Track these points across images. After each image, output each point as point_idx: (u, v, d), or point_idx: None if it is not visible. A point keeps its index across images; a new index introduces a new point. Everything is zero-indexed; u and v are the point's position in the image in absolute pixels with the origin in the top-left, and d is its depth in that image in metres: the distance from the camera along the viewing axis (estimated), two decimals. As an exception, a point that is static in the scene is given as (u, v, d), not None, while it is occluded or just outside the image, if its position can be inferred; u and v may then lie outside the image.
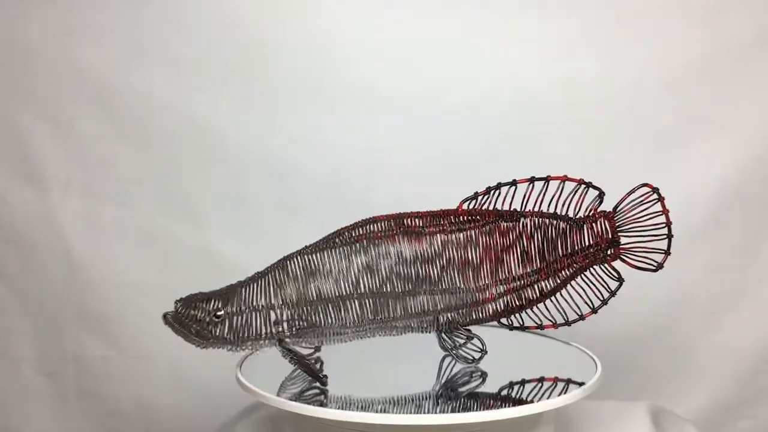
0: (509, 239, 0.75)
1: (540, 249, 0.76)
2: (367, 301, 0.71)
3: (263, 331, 0.69)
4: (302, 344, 0.72)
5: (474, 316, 0.75)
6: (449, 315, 0.73)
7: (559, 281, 0.77)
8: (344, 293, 0.71)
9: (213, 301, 0.71)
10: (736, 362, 1.04)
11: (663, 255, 0.78)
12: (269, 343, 0.71)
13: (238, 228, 1.06)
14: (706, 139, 1.02)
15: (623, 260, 0.78)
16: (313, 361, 0.73)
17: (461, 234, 0.73)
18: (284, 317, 0.70)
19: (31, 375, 1.09)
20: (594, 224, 0.78)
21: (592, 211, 0.78)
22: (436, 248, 0.72)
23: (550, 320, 0.78)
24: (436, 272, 0.72)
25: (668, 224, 0.78)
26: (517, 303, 0.77)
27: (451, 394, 0.70)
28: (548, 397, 0.65)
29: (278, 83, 1.04)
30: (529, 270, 0.76)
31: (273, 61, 1.04)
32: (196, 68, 1.04)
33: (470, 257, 0.73)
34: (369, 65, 1.04)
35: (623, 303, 1.03)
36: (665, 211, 0.78)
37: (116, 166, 1.06)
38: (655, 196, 0.78)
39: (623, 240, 0.78)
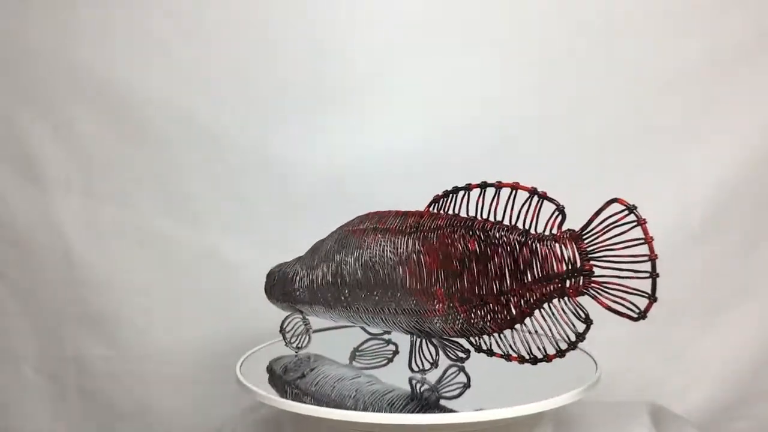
0: (454, 250, 0.65)
1: (487, 267, 0.63)
2: (343, 290, 0.74)
3: (288, 299, 0.83)
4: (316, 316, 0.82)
5: (431, 328, 0.69)
6: (410, 320, 0.69)
7: (514, 310, 0.63)
8: (326, 281, 0.76)
9: (281, 267, 0.85)
10: (736, 362, 1.04)
11: (647, 301, 0.58)
12: (292, 309, 0.83)
13: (238, 228, 1.06)
14: (706, 139, 1.02)
15: (593, 297, 0.61)
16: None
17: (412, 236, 0.68)
18: (298, 291, 0.81)
19: (31, 375, 1.09)
20: (553, 245, 0.61)
21: (554, 229, 0.62)
22: (391, 248, 0.69)
23: (514, 351, 0.67)
24: (390, 273, 0.69)
25: (652, 258, 0.58)
26: (473, 324, 0.65)
27: (450, 393, 0.70)
28: (548, 397, 0.65)
29: (278, 83, 1.04)
30: (476, 289, 0.64)
31: (273, 61, 1.04)
32: (196, 68, 1.04)
33: (413, 263, 0.67)
34: (369, 65, 1.04)
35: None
36: (648, 240, 0.58)
37: (116, 166, 1.06)
38: (632, 217, 0.59)
39: (596, 270, 0.60)
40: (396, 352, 0.82)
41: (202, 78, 1.04)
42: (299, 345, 0.83)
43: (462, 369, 0.73)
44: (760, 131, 1.02)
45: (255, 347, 0.84)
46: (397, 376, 0.73)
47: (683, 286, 1.04)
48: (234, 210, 1.06)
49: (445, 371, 0.73)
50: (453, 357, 0.73)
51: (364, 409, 0.64)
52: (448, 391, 0.70)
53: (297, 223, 1.05)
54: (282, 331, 0.83)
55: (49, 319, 1.08)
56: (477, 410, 0.62)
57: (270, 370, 0.78)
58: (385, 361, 0.79)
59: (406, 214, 0.71)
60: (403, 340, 0.84)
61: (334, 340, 0.88)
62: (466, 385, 0.71)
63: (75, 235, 1.06)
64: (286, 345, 0.83)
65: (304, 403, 0.66)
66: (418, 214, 0.70)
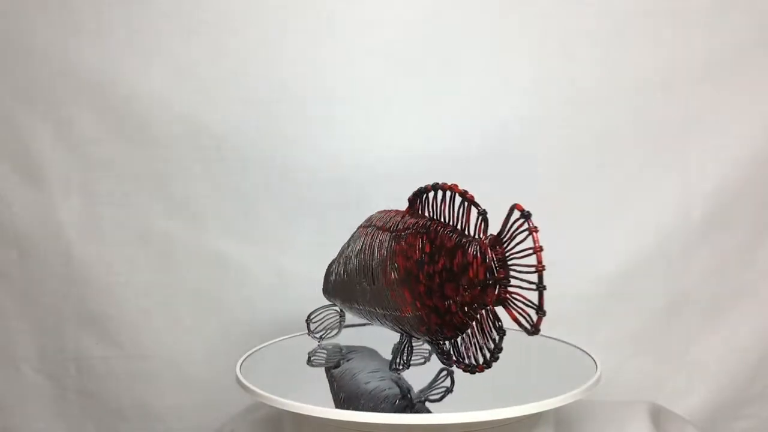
0: (414, 252, 0.64)
1: (434, 270, 0.62)
2: (347, 286, 0.75)
3: (326, 292, 0.83)
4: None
5: (406, 328, 0.69)
6: (393, 320, 0.69)
7: (456, 315, 0.62)
8: (341, 277, 0.76)
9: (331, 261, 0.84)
10: (736, 362, 1.04)
11: (536, 314, 0.56)
12: (331, 302, 0.84)
13: (238, 228, 1.06)
14: (706, 139, 1.02)
15: (505, 307, 0.58)
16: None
17: (391, 236, 0.68)
18: (330, 285, 0.81)
19: (31, 375, 1.09)
20: (476, 251, 0.60)
21: (481, 234, 0.61)
22: (378, 247, 0.69)
23: (461, 358, 0.66)
24: (375, 272, 0.69)
25: (539, 270, 0.56)
26: (433, 328, 0.64)
27: (433, 396, 0.69)
28: (548, 397, 0.65)
29: (278, 83, 1.04)
30: (429, 292, 0.63)
31: (273, 61, 1.04)
32: (196, 68, 1.04)
33: (389, 263, 0.67)
34: (370, 65, 1.04)
35: (623, 302, 1.04)
36: (536, 250, 0.55)
37: (116, 166, 1.06)
38: (526, 225, 0.56)
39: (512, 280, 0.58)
40: (432, 352, 0.82)
41: (202, 78, 1.04)
42: (321, 336, 0.85)
43: (451, 373, 0.72)
44: (761, 131, 1.02)
45: (255, 347, 0.84)
46: (419, 376, 0.73)
47: (683, 286, 1.04)
48: (234, 210, 1.06)
49: (438, 374, 0.73)
50: (444, 360, 0.73)
51: (364, 409, 0.64)
52: (433, 395, 0.69)
53: (297, 223, 1.05)
54: (307, 320, 0.85)
55: (49, 319, 1.08)
56: (477, 410, 0.62)
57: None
58: (422, 360, 0.78)
59: (395, 214, 0.72)
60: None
61: (384, 334, 0.86)
62: (449, 390, 0.70)
63: (75, 235, 1.06)
64: (308, 334, 0.85)
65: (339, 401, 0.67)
66: (401, 214, 0.71)
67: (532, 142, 1.03)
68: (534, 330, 0.57)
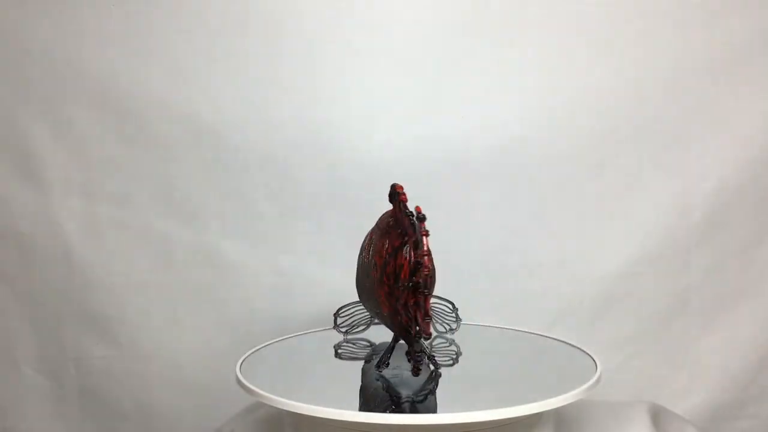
0: (383, 251, 0.64)
1: (388, 269, 0.63)
2: (359, 281, 0.75)
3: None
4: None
5: (388, 326, 0.69)
6: (381, 319, 0.70)
7: (405, 318, 0.62)
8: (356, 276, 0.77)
9: None
10: (736, 362, 1.04)
11: (422, 319, 0.58)
12: None
13: (238, 228, 1.06)
14: (706, 139, 1.02)
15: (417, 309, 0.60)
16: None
17: (378, 235, 0.69)
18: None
19: (31, 375, 1.09)
20: (406, 252, 0.60)
21: (411, 237, 0.61)
22: (372, 247, 0.70)
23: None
24: (367, 271, 0.70)
25: (424, 275, 0.57)
26: (396, 328, 0.65)
27: (419, 397, 0.69)
28: (548, 397, 0.65)
29: (278, 83, 1.04)
30: (390, 291, 0.63)
31: (273, 61, 1.04)
32: (196, 68, 1.04)
33: (373, 263, 0.67)
34: (370, 65, 1.04)
35: (623, 302, 1.04)
36: (422, 254, 0.56)
37: (116, 166, 1.06)
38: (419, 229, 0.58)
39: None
40: (459, 353, 0.81)
41: (202, 78, 1.04)
42: (347, 331, 0.86)
43: (438, 376, 0.72)
44: (760, 131, 1.02)
45: (255, 347, 0.84)
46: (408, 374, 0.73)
47: (683, 286, 1.04)
48: (234, 210, 1.06)
49: (429, 375, 0.72)
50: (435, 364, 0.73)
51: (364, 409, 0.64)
52: (419, 396, 0.69)
53: (297, 223, 1.05)
54: (335, 314, 0.86)
55: (49, 319, 1.08)
56: (477, 410, 0.62)
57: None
58: (450, 361, 0.78)
59: (389, 213, 0.72)
60: (462, 341, 0.84)
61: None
62: (431, 392, 0.69)
63: (75, 235, 1.06)
64: (333, 328, 0.86)
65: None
66: (390, 213, 0.71)
67: (533, 143, 1.03)
68: (425, 335, 0.57)
